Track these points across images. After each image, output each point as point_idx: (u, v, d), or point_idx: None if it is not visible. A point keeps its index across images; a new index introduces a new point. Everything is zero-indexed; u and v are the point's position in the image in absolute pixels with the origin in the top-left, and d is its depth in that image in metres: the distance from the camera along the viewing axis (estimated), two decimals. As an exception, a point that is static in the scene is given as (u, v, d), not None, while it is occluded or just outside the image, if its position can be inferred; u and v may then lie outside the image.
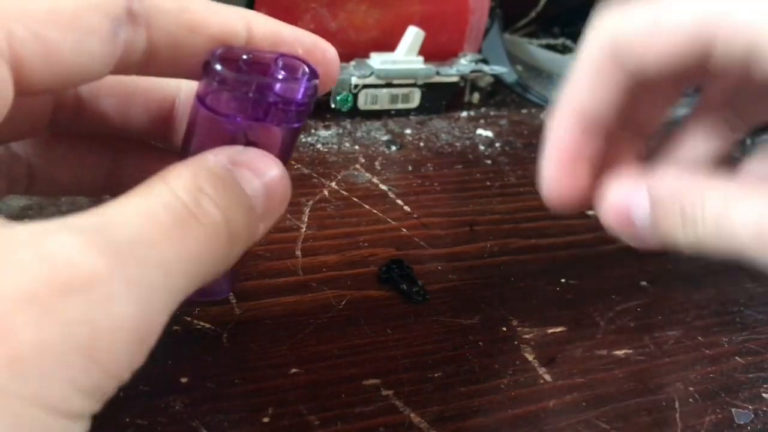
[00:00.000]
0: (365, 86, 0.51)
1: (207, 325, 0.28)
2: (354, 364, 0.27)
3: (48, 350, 0.13)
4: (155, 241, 0.16)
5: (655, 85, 0.23)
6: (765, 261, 0.20)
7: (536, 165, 0.24)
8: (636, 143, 0.26)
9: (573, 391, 0.27)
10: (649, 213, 0.22)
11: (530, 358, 0.29)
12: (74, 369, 0.14)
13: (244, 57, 0.20)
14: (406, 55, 0.52)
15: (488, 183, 0.45)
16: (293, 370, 0.27)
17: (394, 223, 0.38)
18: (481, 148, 0.50)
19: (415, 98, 0.54)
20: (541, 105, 0.60)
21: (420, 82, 0.53)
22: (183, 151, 0.22)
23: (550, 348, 0.30)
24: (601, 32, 0.22)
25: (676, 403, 0.27)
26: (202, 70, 0.20)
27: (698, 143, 0.26)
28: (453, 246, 0.37)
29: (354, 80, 0.51)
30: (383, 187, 0.43)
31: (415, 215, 0.40)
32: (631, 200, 0.23)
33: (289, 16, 0.53)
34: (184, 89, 0.24)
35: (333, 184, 0.42)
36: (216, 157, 0.19)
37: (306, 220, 0.37)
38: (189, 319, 0.29)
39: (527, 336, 0.30)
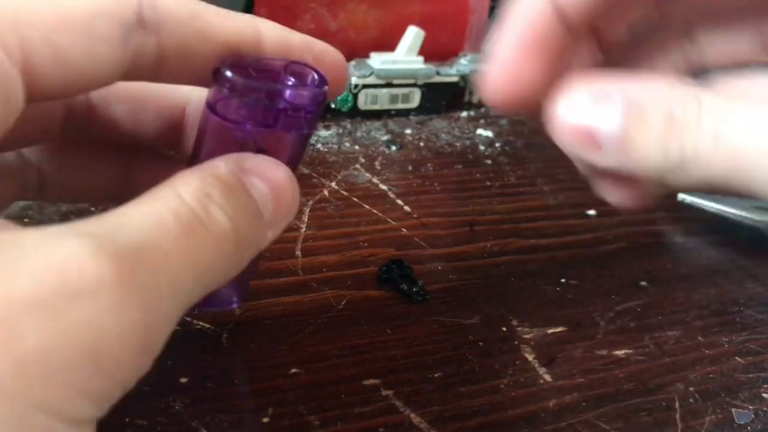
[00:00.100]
0: (365, 86, 0.51)
1: (207, 325, 0.28)
2: (354, 364, 0.27)
3: (54, 355, 0.13)
4: (163, 247, 0.16)
5: None
6: None
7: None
8: (593, 54, 0.23)
9: (573, 391, 0.27)
10: (620, 123, 0.18)
11: (530, 358, 0.29)
12: (80, 374, 0.14)
13: (254, 64, 0.20)
14: (406, 55, 0.52)
15: (488, 183, 0.45)
16: (293, 370, 0.27)
17: (394, 223, 0.38)
18: (481, 148, 0.50)
19: (415, 98, 0.54)
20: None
21: (420, 82, 0.53)
22: (192, 159, 0.22)
23: (550, 348, 0.30)
24: None
25: (676, 403, 0.27)
26: (212, 77, 0.20)
27: (656, 68, 0.24)
28: (453, 246, 0.37)
29: (354, 80, 0.51)
30: (383, 187, 0.43)
31: (415, 215, 0.40)
32: (595, 108, 0.19)
33: (289, 16, 0.53)
34: (195, 97, 0.25)
35: (333, 184, 0.42)
36: (224, 164, 0.19)
37: (306, 220, 0.37)
38: (189, 319, 0.29)
39: (527, 336, 0.30)
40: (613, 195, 0.24)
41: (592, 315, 0.32)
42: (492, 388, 0.27)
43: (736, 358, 0.30)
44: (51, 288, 0.14)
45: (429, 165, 0.47)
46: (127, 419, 0.23)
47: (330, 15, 0.54)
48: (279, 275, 0.32)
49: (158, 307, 0.15)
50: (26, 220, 0.34)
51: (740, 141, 0.17)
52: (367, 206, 0.40)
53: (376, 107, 0.53)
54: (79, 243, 0.14)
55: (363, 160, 0.46)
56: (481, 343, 0.29)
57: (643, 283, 0.35)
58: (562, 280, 0.35)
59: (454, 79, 0.55)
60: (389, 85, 0.52)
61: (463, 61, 0.56)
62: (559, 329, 0.31)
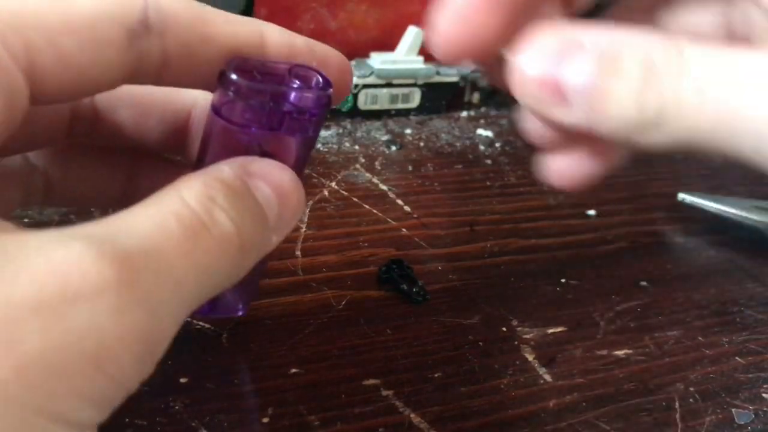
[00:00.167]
0: (365, 86, 0.51)
1: (207, 325, 0.28)
2: (354, 364, 0.27)
3: (55, 359, 0.13)
4: (166, 251, 0.16)
5: None
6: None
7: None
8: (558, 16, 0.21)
9: (573, 392, 0.27)
10: (591, 74, 0.17)
11: (530, 358, 0.29)
12: (81, 378, 0.14)
13: (258, 67, 0.20)
14: (406, 54, 0.52)
15: (488, 183, 0.45)
16: (293, 370, 0.27)
17: (394, 223, 0.38)
18: (481, 148, 0.50)
19: (415, 98, 0.54)
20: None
21: (420, 82, 0.53)
22: (198, 163, 0.22)
23: (550, 348, 0.30)
24: None
25: (677, 404, 0.27)
26: (217, 81, 0.20)
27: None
28: (453, 246, 0.37)
29: (354, 80, 0.51)
30: (383, 187, 0.43)
31: (415, 215, 0.40)
32: (563, 58, 0.17)
33: (289, 16, 0.53)
34: (200, 102, 0.25)
35: (333, 184, 0.42)
36: (229, 168, 0.19)
37: (306, 220, 0.37)
38: (189, 319, 0.28)
39: (527, 336, 0.30)
40: (561, 168, 0.22)
41: (592, 315, 0.32)
42: (492, 388, 0.27)
43: (737, 358, 0.30)
44: (53, 291, 0.13)
45: (429, 165, 0.47)
46: (127, 419, 0.23)
47: (330, 15, 0.54)
48: (279, 275, 0.32)
49: (161, 310, 0.15)
50: (26, 220, 0.34)
51: (731, 95, 0.16)
52: (367, 206, 0.40)
53: (376, 107, 0.53)
54: (82, 246, 0.14)
55: (363, 160, 0.46)
56: (481, 343, 0.29)
57: (643, 283, 0.35)
58: (562, 280, 0.35)
59: (454, 79, 0.55)
60: (389, 85, 0.52)
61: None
62: (559, 329, 0.31)
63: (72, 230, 0.15)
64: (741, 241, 0.40)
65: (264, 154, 0.21)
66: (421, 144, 0.50)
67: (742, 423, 0.27)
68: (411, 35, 0.52)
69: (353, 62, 0.52)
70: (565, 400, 0.27)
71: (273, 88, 0.20)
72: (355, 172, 0.44)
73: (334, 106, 0.22)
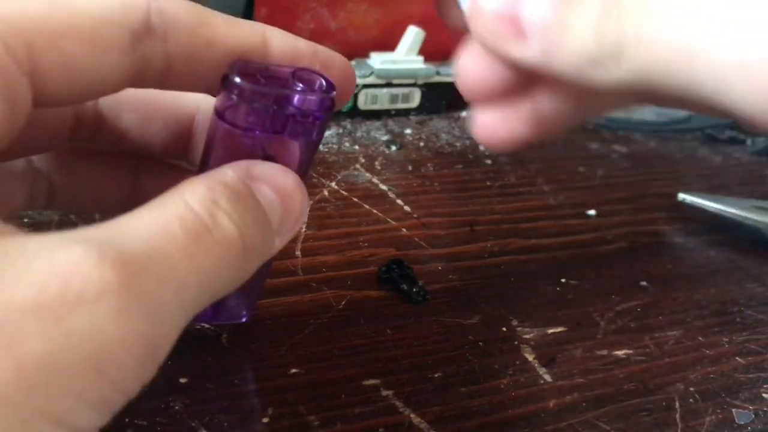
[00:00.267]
0: (365, 86, 0.51)
1: (207, 326, 0.28)
2: (354, 364, 0.27)
3: (55, 362, 0.13)
4: (168, 254, 0.16)
5: None
6: (748, 104, 0.15)
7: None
8: None
9: (573, 392, 0.27)
10: (550, 6, 0.17)
11: (530, 358, 0.29)
12: (82, 382, 0.14)
13: (262, 71, 0.20)
14: (406, 54, 0.52)
15: (488, 183, 0.45)
16: (293, 370, 0.27)
17: (394, 223, 0.38)
18: (482, 148, 0.50)
19: (415, 98, 0.54)
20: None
21: (420, 82, 0.53)
22: (201, 167, 0.22)
23: (550, 348, 0.30)
24: None
25: (677, 404, 0.27)
26: (221, 84, 0.20)
27: None
28: (453, 246, 0.37)
29: (354, 80, 0.51)
30: (383, 187, 0.43)
31: (415, 215, 0.40)
32: None
33: (289, 16, 0.53)
34: (203, 106, 0.25)
35: (333, 184, 0.42)
36: (232, 171, 0.19)
37: (306, 220, 0.37)
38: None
39: (527, 336, 0.30)
40: (490, 123, 0.21)
41: (592, 315, 0.32)
42: (492, 388, 0.27)
43: (737, 358, 0.30)
44: (54, 294, 0.13)
45: (429, 165, 0.47)
46: (127, 419, 0.23)
47: (330, 15, 0.54)
48: (279, 275, 0.32)
49: (163, 314, 0.15)
50: (26, 220, 0.34)
51: (693, 32, 0.15)
52: (367, 206, 0.40)
53: (376, 107, 0.53)
54: (84, 249, 0.14)
55: (363, 160, 0.46)
56: (481, 343, 0.29)
57: (643, 283, 0.35)
58: (562, 280, 0.35)
59: (455, 79, 0.55)
60: (389, 85, 0.52)
61: (463, 61, 0.56)
62: (559, 329, 0.31)
63: (74, 233, 0.15)
64: (741, 241, 0.40)
65: (267, 157, 0.21)
66: (421, 144, 0.50)
67: (742, 423, 0.27)
68: (411, 35, 0.52)
69: (353, 62, 0.52)
70: (565, 400, 0.27)
71: (276, 91, 0.20)
72: (355, 172, 0.44)
73: (337, 109, 0.22)
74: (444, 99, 0.55)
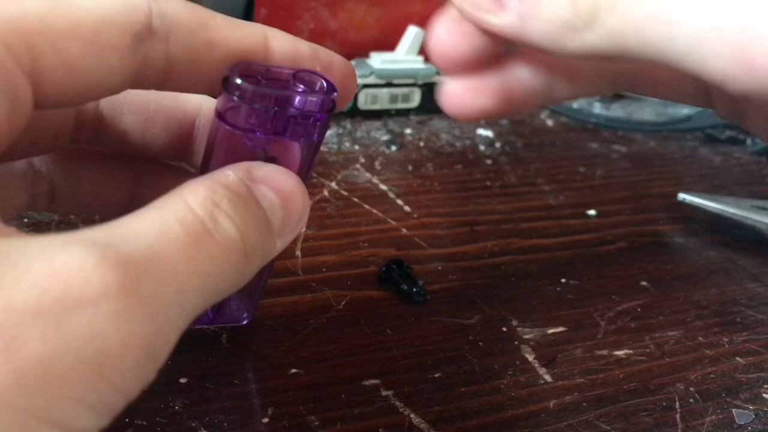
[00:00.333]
0: (365, 86, 0.51)
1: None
2: (354, 364, 0.27)
3: (55, 365, 0.13)
4: (169, 256, 0.15)
5: None
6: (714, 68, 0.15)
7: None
8: None
9: (573, 392, 0.27)
10: None
11: (530, 358, 0.29)
12: (82, 384, 0.14)
13: (263, 72, 0.20)
14: (406, 54, 0.52)
15: (488, 183, 0.45)
16: (293, 371, 0.27)
17: (394, 223, 0.38)
18: (481, 148, 0.50)
19: (415, 98, 0.54)
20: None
21: (420, 82, 0.53)
22: (202, 169, 0.22)
23: (550, 348, 0.30)
24: None
25: (677, 404, 0.27)
26: (222, 86, 0.20)
27: None
28: (453, 246, 0.37)
29: (354, 80, 0.51)
30: (383, 187, 0.42)
31: (415, 215, 0.40)
32: None
33: (289, 16, 0.53)
34: (205, 108, 0.25)
35: (333, 184, 0.42)
36: (233, 173, 0.19)
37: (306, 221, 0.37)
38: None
39: (527, 336, 0.30)
40: (459, 94, 0.22)
41: (592, 315, 0.32)
42: (492, 388, 0.27)
43: (737, 358, 0.30)
44: (54, 297, 0.13)
45: (429, 165, 0.47)
46: (126, 419, 0.23)
47: (330, 15, 0.54)
48: (279, 275, 0.32)
49: (163, 316, 0.15)
50: (25, 220, 0.34)
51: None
52: (367, 206, 0.40)
53: (376, 107, 0.53)
54: (84, 251, 0.14)
55: (363, 160, 0.46)
56: (481, 343, 0.29)
57: (644, 283, 0.35)
58: (562, 280, 0.35)
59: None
60: (389, 84, 0.52)
61: (463, 60, 0.56)
62: (559, 329, 0.31)
63: (74, 235, 0.15)
64: (741, 241, 0.40)
65: (269, 159, 0.21)
66: (421, 144, 0.50)
67: (743, 423, 0.27)
68: (411, 35, 0.52)
69: (353, 62, 0.52)
70: (565, 400, 0.27)
71: (277, 93, 0.20)
72: (355, 172, 0.44)
73: (338, 110, 0.22)
74: (444, 99, 0.55)
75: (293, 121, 0.20)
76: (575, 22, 0.17)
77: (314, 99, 0.20)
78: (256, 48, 0.20)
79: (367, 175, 0.44)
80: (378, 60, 0.52)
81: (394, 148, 0.48)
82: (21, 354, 0.13)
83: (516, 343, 0.30)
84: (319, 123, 0.21)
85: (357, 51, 0.54)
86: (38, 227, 0.33)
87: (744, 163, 0.52)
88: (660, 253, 0.38)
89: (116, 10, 0.17)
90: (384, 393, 0.26)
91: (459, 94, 0.22)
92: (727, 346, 0.31)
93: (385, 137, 0.50)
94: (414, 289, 0.32)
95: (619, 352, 0.30)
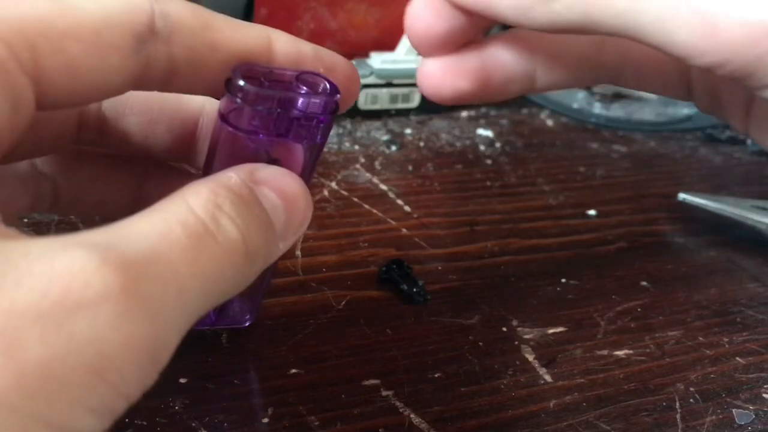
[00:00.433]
0: (365, 86, 0.51)
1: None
2: (354, 364, 0.27)
3: (56, 368, 0.13)
4: (170, 258, 0.15)
5: None
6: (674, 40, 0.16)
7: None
8: None
9: (573, 392, 0.27)
10: None
11: (530, 358, 0.29)
12: (82, 387, 0.13)
13: (266, 74, 0.20)
14: (406, 54, 0.52)
15: (488, 183, 0.45)
16: (293, 371, 0.27)
17: (394, 223, 0.38)
18: (482, 148, 0.50)
19: (415, 98, 0.54)
20: (542, 105, 0.60)
21: (420, 82, 0.53)
22: (205, 170, 0.22)
23: (550, 348, 0.30)
24: None
25: (677, 404, 0.27)
26: (224, 88, 0.20)
27: None
28: (453, 246, 0.37)
29: (354, 80, 0.51)
30: (383, 187, 0.42)
31: (415, 215, 0.40)
32: None
33: (289, 16, 0.53)
34: (208, 110, 0.24)
35: (333, 184, 0.42)
36: (236, 175, 0.19)
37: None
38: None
39: (527, 336, 0.30)
40: (435, 74, 0.22)
41: (592, 315, 0.32)
42: (492, 388, 0.27)
43: (737, 358, 0.30)
44: (55, 299, 0.13)
45: (429, 165, 0.47)
46: (126, 419, 0.23)
47: (330, 15, 0.54)
48: (279, 275, 0.32)
49: (165, 318, 0.15)
50: (25, 220, 0.34)
51: None
52: (367, 206, 0.40)
53: (376, 107, 0.53)
54: (85, 253, 0.14)
55: (363, 160, 0.46)
56: (481, 343, 0.29)
57: (644, 283, 0.35)
58: (562, 280, 0.35)
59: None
60: (389, 84, 0.52)
61: (463, 60, 0.56)
62: (559, 329, 0.31)
63: (76, 237, 0.15)
64: (741, 241, 0.40)
65: (271, 160, 0.21)
66: (421, 144, 0.50)
67: (743, 423, 0.27)
68: (411, 35, 0.52)
69: (353, 62, 0.52)
70: (565, 400, 0.27)
71: (281, 94, 0.20)
72: (355, 172, 0.44)
73: (341, 112, 0.22)
74: (444, 99, 0.55)
75: (296, 122, 0.20)
76: None
77: (317, 101, 0.20)
78: (259, 49, 0.20)
79: (367, 175, 0.44)
80: (378, 60, 0.52)
81: (394, 148, 0.48)
82: (21, 356, 0.13)
83: (516, 343, 0.30)
84: (322, 125, 0.21)
85: (357, 51, 0.54)
86: (38, 227, 0.33)
87: (744, 163, 0.52)
88: (660, 253, 0.38)
89: (118, 10, 0.17)
90: (384, 393, 0.26)
91: (436, 74, 0.22)
92: (727, 346, 0.31)
93: (385, 137, 0.50)
94: (414, 289, 0.32)
95: (619, 352, 0.30)
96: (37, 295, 0.13)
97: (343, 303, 0.31)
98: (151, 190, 0.26)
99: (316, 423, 0.24)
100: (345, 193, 0.41)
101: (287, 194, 0.19)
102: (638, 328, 0.32)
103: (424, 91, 0.22)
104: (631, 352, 0.30)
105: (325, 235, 0.36)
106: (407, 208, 0.40)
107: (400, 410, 0.25)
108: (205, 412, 0.24)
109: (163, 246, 0.15)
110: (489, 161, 0.48)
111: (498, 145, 0.51)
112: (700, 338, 0.31)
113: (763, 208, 0.40)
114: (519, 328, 0.31)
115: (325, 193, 0.41)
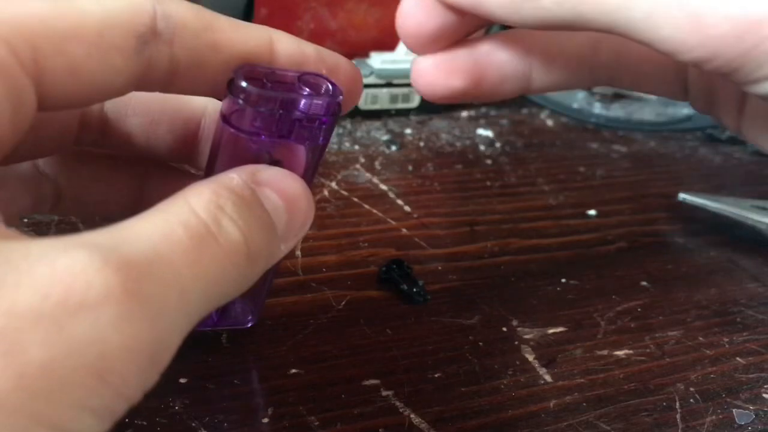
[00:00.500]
0: (365, 86, 0.51)
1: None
2: (354, 364, 0.27)
3: (57, 369, 0.13)
4: (172, 260, 0.15)
5: None
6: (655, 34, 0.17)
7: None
8: None
9: (573, 392, 0.27)
10: None
11: (530, 358, 0.29)
12: (83, 389, 0.13)
13: (268, 75, 0.20)
14: (406, 54, 0.52)
15: (488, 183, 0.45)
16: (293, 371, 0.27)
17: (394, 223, 0.38)
18: (482, 148, 0.50)
19: (415, 98, 0.54)
20: (542, 105, 0.60)
21: (420, 82, 0.53)
22: (207, 171, 0.22)
23: (550, 348, 0.30)
24: None
25: (677, 404, 0.27)
26: (227, 89, 0.20)
27: None
28: (453, 246, 0.37)
29: (354, 80, 0.51)
30: (383, 187, 0.42)
31: (415, 215, 0.40)
32: None
33: (289, 16, 0.53)
34: (209, 110, 0.24)
35: (333, 184, 0.42)
36: (238, 176, 0.18)
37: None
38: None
39: (527, 336, 0.30)
40: (429, 71, 0.22)
41: (592, 315, 0.32)
42: (492, 388, 0.27)
43: (737, 358, 0.30)
44: (56, 300, 0.13)
45: (429, 165, 0.47)
46: (126, 419, 0.23)
47: (330, 15, 0.54)
48: (279, 275, 0.32)
49: (166, 320, 0.15)
50: (25, 220, 0.34)
51: None
52: (367, 206, 0.40)
53: (376, 107, 0.53)
54: (86, 254, 0.14)
55: (363, 160, 0.46)
56: (481, 343, 0.29)
57: (644, 283, 0.35)
58: (562, 280, 0.35)
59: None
60: (389, 84, 0.52)
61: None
62: (559, 329, 0.31)
63: (77, 238, 0.15)
64: (741, 241, 0.40)
65: (273, 162, 0.20)
66: (421, 144, 0.50)
67: (743, 423, 0.27)
68: (411, 35, 0.52)
69: (353, 62, 0.52)
70: (565, 400, 0.27)
71: (283, 96, 0.20)
72: (355, 172, 0.44)
73: (344, 113, 0.22)
74: (444, 99, 0.55)
75: (298, 124, 0.20)
76: None
77: (320, 102, 0.20)
78: (261, 50, 0.20)
79: (367, 175, 0.44)
80: (378, 60, 0.52)
81: (394, 148, 0.48)
82: (22, 358, 0.13)
83: (516, 343, 0.30)
84: (324, 126, 0.21)
85: (357, 51, 0.54)
86: (38, 227, 0.33)
87: (744, 163, 0.52)
88: (660, 253, 0.38)
89: (120, 11, 0.17)
90: (384, 393, 0.26)
91: (429, 71, 0.22)
92: (727, 346, 0.31)
93: (385, 137, 0.50)
94: (414, 289, 0.32)
95: (619, 352, 0.30)
96: (38, 296, 0.13)
97: (343, 303, 0.31)
98: (152, 191, 0.25)
99: (316, 423, 0.24)
100: (345, 193, 0.41)
101: (289, 195, 0.19)
102: (638, 328, 0.32)
103: (418, 88, 0.22)
104: (631, 352, 0.30)
105: (325, 235, 0.36)
106: (407, 208, 0.40)
107: (400, 410, 0.25)
108: (205, 412, 0.24)
109: (165, 247, 0.15)
110: (489, 161, 0.48)
111: (498, 145, 0.51)
112: (700, 338, 0.31)
113: (763, 208, 0.40)
114: (519, 328, 0.31)
115: (325, 193, 0.41)
